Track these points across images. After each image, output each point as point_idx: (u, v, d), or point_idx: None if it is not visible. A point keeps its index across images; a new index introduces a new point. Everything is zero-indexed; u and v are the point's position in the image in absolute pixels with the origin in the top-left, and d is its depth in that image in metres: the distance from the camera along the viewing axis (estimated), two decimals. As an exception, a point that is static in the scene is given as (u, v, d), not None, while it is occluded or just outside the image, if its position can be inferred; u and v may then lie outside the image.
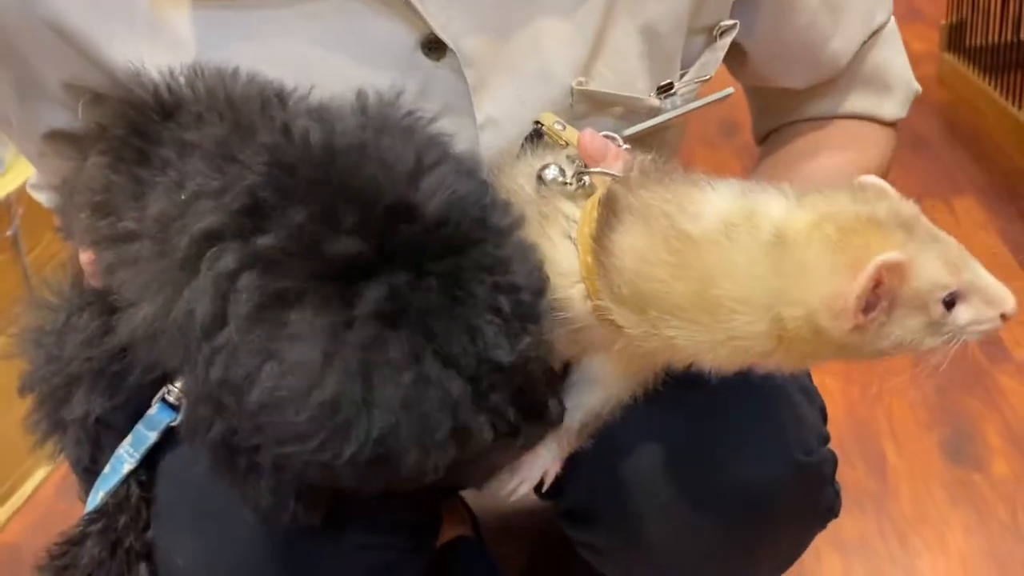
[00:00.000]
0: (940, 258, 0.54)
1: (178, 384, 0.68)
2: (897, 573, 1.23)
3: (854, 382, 1.52)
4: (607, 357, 0.66)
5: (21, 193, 1.58)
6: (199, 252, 0.55)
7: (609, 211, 0.60)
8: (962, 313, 0.55)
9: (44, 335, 0.75)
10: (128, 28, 0.73)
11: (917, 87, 0.92)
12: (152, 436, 0.71)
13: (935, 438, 1.42)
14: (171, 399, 0.69)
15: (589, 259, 0.60)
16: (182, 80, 0.68)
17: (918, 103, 0.94)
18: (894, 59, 0.90)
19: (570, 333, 0.63)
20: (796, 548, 0.80)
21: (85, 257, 0.70)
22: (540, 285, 0.58)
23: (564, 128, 0.70)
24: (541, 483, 0.76)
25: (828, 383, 0.82)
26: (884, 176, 0.92)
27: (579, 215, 0.63)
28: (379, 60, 0.72)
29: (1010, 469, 1.35)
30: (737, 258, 0.55)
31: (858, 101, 0.89)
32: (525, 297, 0.56)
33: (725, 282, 0.55)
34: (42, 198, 0.97)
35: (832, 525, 1.27)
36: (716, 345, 0.58)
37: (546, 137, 0.71)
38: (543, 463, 0.71)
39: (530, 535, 1.31)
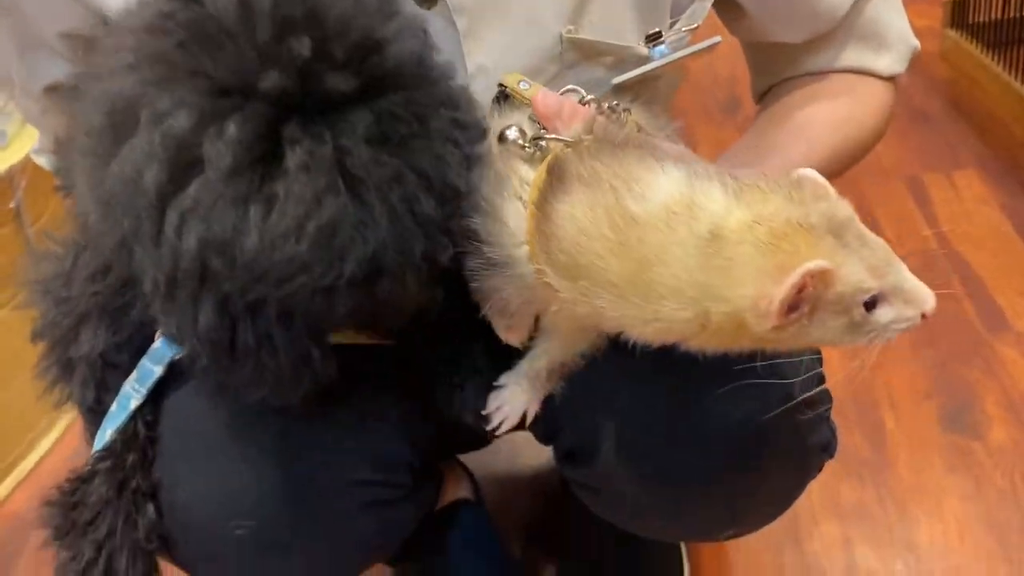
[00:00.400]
0: (865, 262, 0.55)
1: None
2: (895, 540, 1.23)
3: (854, 352, 1.52)
4: (555, 314, 0.68)
5: (24, 166, 1.58)
6: (123, 119, 0.55)
7: (555, 178, 0.61)
8: (883, 313, 0.56)
9: (52, 281, 0.76)
10: None
11: (915, 43, 0.92)
12: (157, 370, 0.71)
13: (934, 407, 1.42)
14: None
15: (532, 223, 0.62)
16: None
17: (920, 79, 0.94)
18: (890, 13, 0.90)
19: (519, 289, 0.65)
20: (793, 487, 0.81)
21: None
22: (483, 128, 0.62)
23: (529, 87, 0.70)
24: (541, 428, 0.82)
25: (828, 352, 0.82)
26: (883, 132, 0.93)
27: (533, 178, 0.64)
28: None
29: (1008, 437, 1.36)
30: (673, 247, 0.57)
31: (853, 55, 0.89)
32: (473, 136, 0.60)
33: (659, 268, 0.57)
34: (44, 162, 0.98)
35: (830, 492, 1.29)
36: (642, 322, 0.60)
37: (512, 97, 0.71)
38: (522, 403, 0.74)
39: (531, 499, 1.32)
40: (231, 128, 0.53)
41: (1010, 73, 2.15)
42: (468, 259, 0.66)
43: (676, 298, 0.57)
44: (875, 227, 1.91)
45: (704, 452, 0.71)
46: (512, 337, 0.72)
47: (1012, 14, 2.18)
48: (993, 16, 2.26)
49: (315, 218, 0.53)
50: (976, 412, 1.41)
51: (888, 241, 1.86)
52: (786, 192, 0.56)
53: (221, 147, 0.53)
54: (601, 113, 0.67)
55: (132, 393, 0.72)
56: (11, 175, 1.58)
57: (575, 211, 0.59)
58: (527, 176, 0.64)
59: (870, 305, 0.56)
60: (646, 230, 0.57)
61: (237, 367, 0.60)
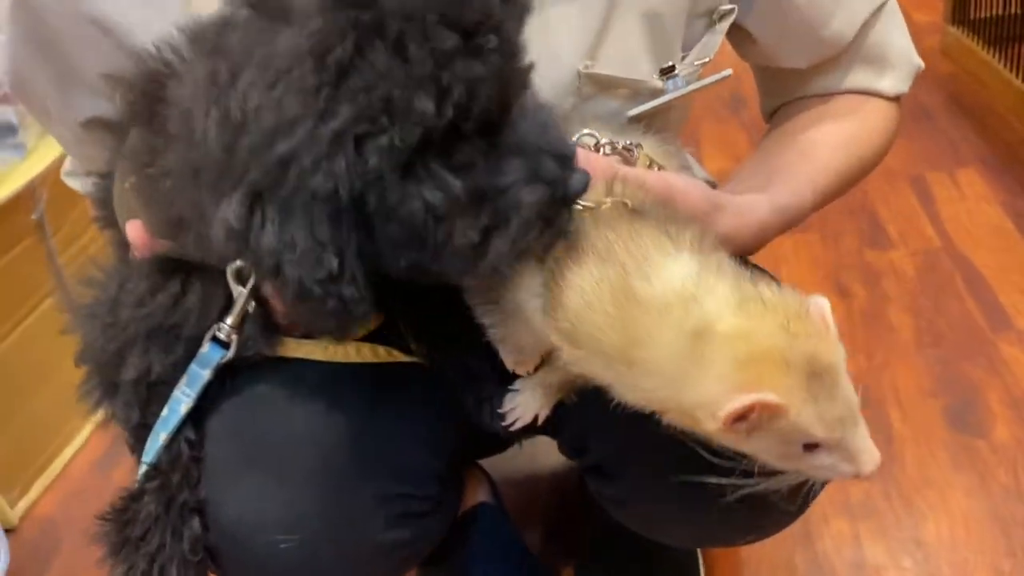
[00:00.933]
0: (821, 413, 0.57)
1: (228, 320, 0.71)
2: (903, 535, 1.27)
3: (860, 351, 1.56)
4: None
5: (45, 177, 1.61)
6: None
7: (571, 246, 0.64)
8: (819, 458, 0.59)
9: (97, 306, 0.78)
10: (161, 18, 0.76)
11: (919, 63, 0.95)
12: (205, 374, 0.73)
13: (939, 405, 1.46)
14: (221, 336, 0.72)
15: (549, 285, 0.65)
16: (184, 38, 0.70)
17: (922, 75, 0.97)
18: (894, 36, 0.93)
19: (530, 334, 0.69)
20: (807, 496, 0.84)
21: (132, 228, 0.74)
22: None
23: None
24: (567, 443, 0.87)
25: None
26: (887, 150, 0.96)
27: None
28: None
29: (1011, 434, 1.39)
30: (662, 335, 0.59)
31: (858, 77, 0.92)
32: None
33: (646, 350, 0.60)
34: (76, 185, 1.01)
35: (839, 490, 1.33)
36: (627, 389, 0.63)
37: None
38: (534, 407, 0.78)
39: (549, 500, 1.36)
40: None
41: (1010, 70, 2.17)
42: (485, 314, 0.69)
43: (653, 378, 0.60)
44: (879, 227, 1.95)
45: (727, 466, 0.74)
46: (520, 370, 0.76)
47: (1013, 10, 2.20)
48: (994, 12, 2.28)
49: (319, 51, 0.54)
50: (980, 410, 1.44)
51: (892, 240, 1.89)
52: (784, 318, 0.57)
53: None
54: (615, 153, 0.70)
55: (182, 398, 0.75)
56: (33, 187, 1.60)
57: (584, 283, 0.63)
58: None
59: (810, 447, 0.58)
60: (643, 311, 0.60)
61: (264, 270, 0.59)
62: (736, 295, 0.59)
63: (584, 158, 0.67)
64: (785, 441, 0.58)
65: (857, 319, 1.66)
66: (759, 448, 0.59)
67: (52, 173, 1.61)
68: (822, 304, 0.58)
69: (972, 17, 2.37)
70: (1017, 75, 2.14)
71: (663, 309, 0.59)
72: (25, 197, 1.59)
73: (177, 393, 0.75)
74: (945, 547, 1.24)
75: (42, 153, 1.66)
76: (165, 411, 0.75)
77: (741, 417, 0.56)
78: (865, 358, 1.56)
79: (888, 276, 1.76)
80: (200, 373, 0.74)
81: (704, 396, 0.58)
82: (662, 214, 0.65)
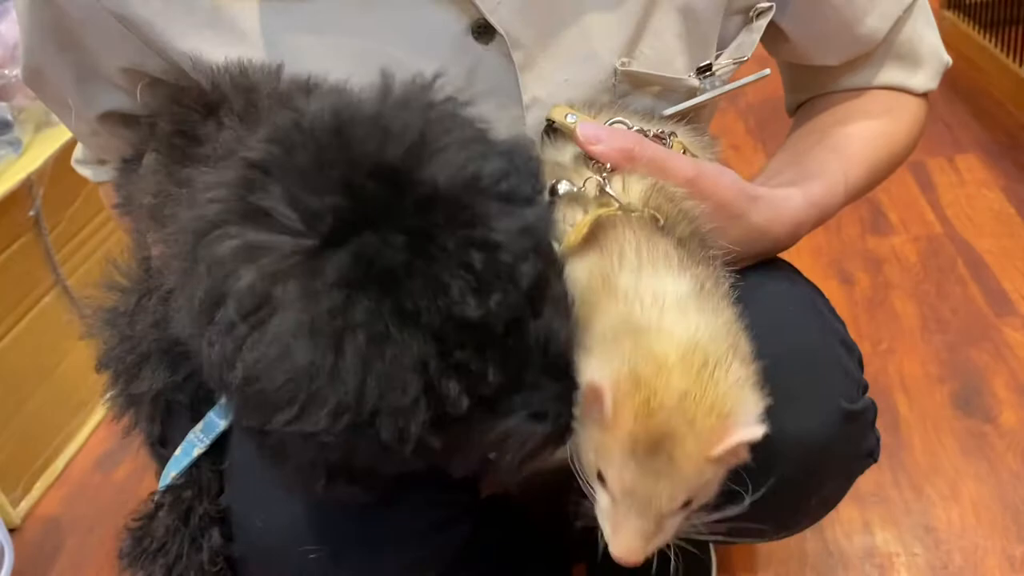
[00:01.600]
0: (623, 464, 0.57)
1: None
2: (912, 522, 1.27)
3: (865, 338, 1.56)
4: None
5: (42, 173, 1.60)
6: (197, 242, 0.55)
7: (588, 237, 0.63)
8: (601, 497, 0.60)
9: (117, 316, 0.78)
10: (189, 18, 0.75)
11: (947, 59, 0.94)
12: (222, 424, 0.74)
13: (945, 391, 1.46)
14: None
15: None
16: (227, 77, 0.71)
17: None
18: (925, 32, 0.92)
19: None
20: (840, 491, 0.84)
21: (156, 251, 0.73)
22: (522, 247, 0.54)
23: (575, 120, 0.72)
24: None
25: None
26: (915, 146, 0.95)
27: (578, 219, 0.65)
28: (431, 46, 0.74)
29: (1018, 419, 1.40)
30: (608, 318, 0.59)
31: (889, 74, 0.91)
32: (504, 257, 0.53)
33: (590, 333, 0.60)
34: (88, 172, 1.00)
35: (849, 478, 1.33)
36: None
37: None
38: None
39: (558, 495, 1.35)
40: (241, 260, 0.53)
41: (1007, 55, 2.17)
42: None
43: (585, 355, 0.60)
44: (880, 213, 1.94)
45: (770, 466, 0.74)
46: None
47: (1007, -6, 2.20)
48: (989, -4, 2.29)
49: (290, 361, 0.51)
50: (987, 395, 1.45)
51: (893, 226, 1.89)
52: (697, 395, 0.56)
53: (234, 277, 0.53)
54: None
55: (196, 442, 0.75)
56: (30, 183, 1.59)
57: (579, 275, 0.63)
58: (572, 219, 0.66)
59: (601, 479, 0.59)
60: (611, 299, 0.60)
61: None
62: (697, 338, 0.57)
63: (609, 131, 0.66)
64: (593, 450, 0.59)
65: (861, 306, 1.66)
66: (583, 439, 0.59)
67: (48, 169, 1.60)
68: (746, 433, 0.57)
69: (967, 1, 2.37)
70: (1013, 60, 2.15)
71: (627, 298, 0.59)
72: (21, 193, 1.58)
73: (192, 437, 0.75)
74: (955, 533, 1.25)
75: (38, 149, 1.64)
76: (179, 451, 0.76)
77: (594, 399, 0.56)
78: (870, 345, 1.56)
79: (890, 262, 1.76)
80: (217, 422, 0.74)
81: (592, 368, 0.58)
82: (687, 229, 0.64)
